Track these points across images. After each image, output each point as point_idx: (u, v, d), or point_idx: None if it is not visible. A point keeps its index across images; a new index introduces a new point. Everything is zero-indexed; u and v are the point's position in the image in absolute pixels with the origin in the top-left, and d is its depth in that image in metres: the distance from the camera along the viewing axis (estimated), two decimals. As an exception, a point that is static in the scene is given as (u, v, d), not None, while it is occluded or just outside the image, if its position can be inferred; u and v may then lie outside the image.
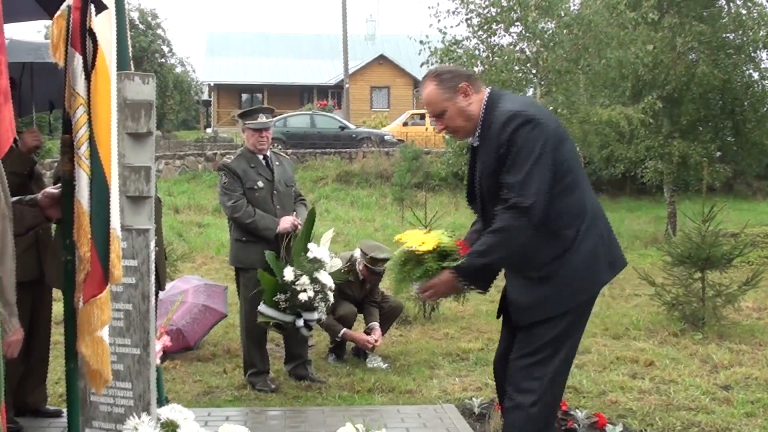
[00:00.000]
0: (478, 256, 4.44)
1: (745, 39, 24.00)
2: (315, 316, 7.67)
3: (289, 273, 7.46)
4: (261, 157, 7.91)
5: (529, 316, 4.50)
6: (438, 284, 4.52)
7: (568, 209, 4.44)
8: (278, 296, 7.49)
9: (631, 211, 27.10)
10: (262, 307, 7.57)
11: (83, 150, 3.32)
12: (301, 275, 7.47)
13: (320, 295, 7.58)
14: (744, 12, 24.49)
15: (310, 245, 7.63)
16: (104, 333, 3.33)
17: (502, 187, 4.38)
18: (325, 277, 7.60)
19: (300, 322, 7.61)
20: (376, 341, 8.77)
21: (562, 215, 4.41)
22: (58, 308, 6.08)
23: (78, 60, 3.42)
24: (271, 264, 7.54)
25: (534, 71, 17.65)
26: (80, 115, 3.35)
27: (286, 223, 7.72)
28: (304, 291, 7.46)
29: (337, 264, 7.88)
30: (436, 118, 4.68)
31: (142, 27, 55.62)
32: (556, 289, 4.37)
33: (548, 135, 4.39)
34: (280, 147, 21.38)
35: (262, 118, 7.90)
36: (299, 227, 7.72)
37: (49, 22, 3.90)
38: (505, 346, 4.77)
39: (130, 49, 5.15)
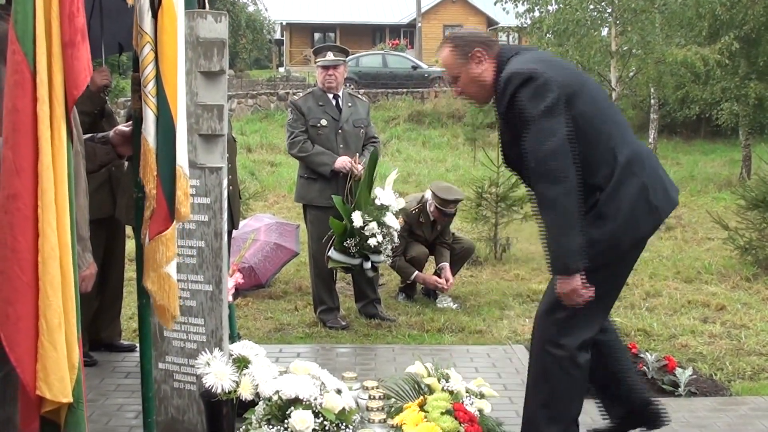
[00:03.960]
0: (554, 245, 4.23)
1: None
2: (381, 258, 7.74)
3: (357, 218, 7.50)
4: (331, 96, 7.92)
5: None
6: (565, 297, 4.25)
7: (592, 163, 4.27)
8: (348, 241, 7.54)
9: (706, 154, 26.67)
10: (333, 253, 7.64)
11: (150, 88, 3.33)
12: (370, 221, 7.52)
13: (387, 238, 7.62)
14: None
15: (377, 190, 7.66)
16: (171, 269, 3.35)
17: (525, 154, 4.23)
18: (391, 220, 7.64)
19: (368, 264, 7.68)
20: (448, 283, 8.79)
21: (587, 169, 4.23)
22: (131, 245, 6.18)
23: (145, -2, 3.43)
24: (338, 207, 7.57)
25: (609, 10, 17.40)
26: (147, 52, 3.36)
27: (343, 161, 7.73)
28: (373, 236, 7.51)
29: (401, 203, 7.90)
30: (452, 83, 4.63)
31: (215, -34, 55.70)
32: (589, 245, 4.16)
33: (554, 89, 4.19)
34: (352, 87, 21.34)
35: (330, 56, 7.93)
36: (359, 168, 7.73)
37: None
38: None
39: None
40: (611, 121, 4.43)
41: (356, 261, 7.66)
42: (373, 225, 7.51)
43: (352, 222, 7.50)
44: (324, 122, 7.84)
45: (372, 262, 7.73)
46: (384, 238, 7.59)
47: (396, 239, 7.80)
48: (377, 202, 7.61)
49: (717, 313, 8.45)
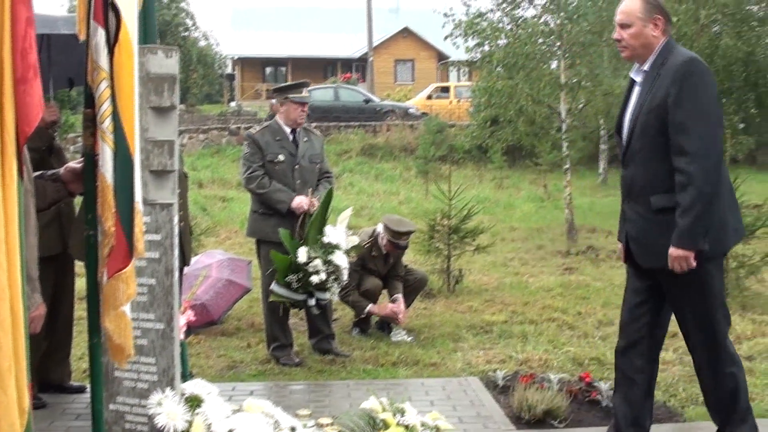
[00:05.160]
0: (684, 217, 4.78)
1: (768, 11, 23.79)
2: (327, 296, 7.66)
3: (302, 254, 7.43)
4: (289, 131, 7.92)
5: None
6: (677, 262, 4.83)
7: None
8: (290, 277, 7.47)
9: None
10: (275, 287, 7.58)
11: (107, 124, 3.31)
12: (315, 258, 7.45)
13: (333, 276, 7.56)
14: (769, -16, 24.27)
15: (327, 228, 7.61)
16: (127, 308, 3.33)
17: (672, 130, 4.82)
18: (339, 259, 7.56)
19: (312, 302, 7.61)
20: (401, 315, 8.78)
21: None
22: (81, 283, 6.11)
23: (101, 34, 3.40)
24: (284, 242, 7.52)
25: (558, 44, 17.54)
26: (103, 89, 3.34)
27: (299, 202, 7.70)
28: (317, 273, 7.44)
29: (353, 241, 7.87)
30: (620, 27, 5.03)
31: (165, 0, 55.58)
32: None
33: (714, 86, 4.93)
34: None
35: (305, 92, 7.99)
36: (315, 205, 7.70)
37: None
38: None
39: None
40: None
41: (300, 297, 7.58)
42: (318, 262, 7.43)
43: (297, 257, 7.46)
44: (281, 157, 7.83)
45: (317, 299, 7.66)
46: (329, 276, 7.52)
47: (344, 278, 7.74)
48: (325, 239, 7.57)
49: (669, 341, 8.44)
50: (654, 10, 4.96)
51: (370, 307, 8.81)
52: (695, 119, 4.76)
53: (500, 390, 6.82)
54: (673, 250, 4.80)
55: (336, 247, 7.58)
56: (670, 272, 4.89)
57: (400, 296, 8.97)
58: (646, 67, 5.02)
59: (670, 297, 5.12)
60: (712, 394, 5.20)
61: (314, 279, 7.43)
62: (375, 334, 8.87)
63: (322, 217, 7.60)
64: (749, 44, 22.40)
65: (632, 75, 5.16)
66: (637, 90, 5.09)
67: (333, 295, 7.74)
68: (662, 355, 7.74)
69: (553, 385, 6.52)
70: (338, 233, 7.64)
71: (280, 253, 7.52)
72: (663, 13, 5.00)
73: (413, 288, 9.29)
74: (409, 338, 8.64)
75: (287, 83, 8.27)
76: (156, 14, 5.10)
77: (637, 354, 5.28)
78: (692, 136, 4.74)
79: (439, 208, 12.09)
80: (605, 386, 6.50)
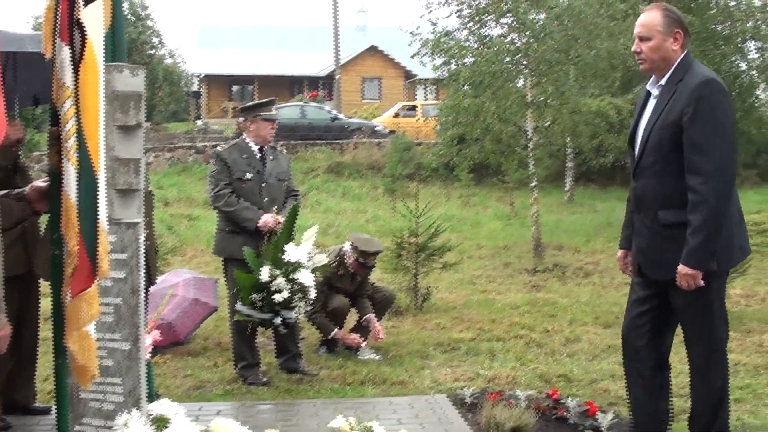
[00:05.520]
0: (695, 237, 4.87)
1: (733, 30, 24.16)
2: (293, 314, 7.59)
3: (264, 273, 7.38)
4: (256, 149, 7.90)
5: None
6: (685, 280, 4.93)
7: None
8: (254, 296, 7.42)
9: (621, 201, 26.70)
10: (239, 306, 7.53)
11: (71, 143, 3.29)
12: (277, 276, 7.41)
13: (298, 295, 7.51)
14: (732, 4, 24.66)
15: (287, 246, 7.54)
16: (91, 328, 3.30)
17: (688, 149, 4.90)
18: (304, 277, 7.51)
19: (278, 320, 7.56)
20: (379, 335, 8.82)
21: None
22: (46, 304, 6.05)
23: (66, 52, 3.39)
24: (249, 261, 7.48)
25: (524, 62, 17.59)
26: (68, 107, 3.32)
27: (267, 219, 7.68)
28: (279, 292, 7.39)
29: (321, 260, 7.83)
30: (639, 40, 5.12)
31: (131, 18, 55.41)
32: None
33: (730, 106, 5.05)
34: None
35: (274, 110, 8.05)
36: (281, 224, 7.68)
37: (38, 12, 3.86)
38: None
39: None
40: None
41: (265, 316, 7.52)
42: (281, 280, 7.38)
43: (260, 276, 7.42)
44: (249, 175, 7.81)
45: (283, 318, 7.60)
46: (293, 294, 7.46)
47: (312, 296, 7.68)
48: (285, 258, 7.52)
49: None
50: (674, 24, 5.05)
51: (336, 331, 8.78)
52: (711, 139, 4.85)
53: (468, 407, 6.82)
54: (682, 268, 4.90)
55: (299, 265, 7.54)
56: (676, 284, 5.00)
57: (372, 316, 8.95)
58: (663, 81, 5.12)
59: (676, 307, 5.22)
60: (698, 401, 5.28)
61: (277, 297, 7.38)
62: (342, 352, 8.84)
63: (286, 236, 7.56)
64: (714, 62, 22.68)
65: (648, 87, 5.27)
66: (652, 103, 5.19)
67: (299, 314, 7.70)
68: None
69: (521, 402, 6.53)
70: (300, 251, 7.59)
71: (246, 272, 7.49)
72: (683, 28, 5.10)
73: (380, 306, 9.27)
74: (377, 357, 8.62)
75: (255, 102, 8.26)
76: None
77: (642, 363, 5.39)
78: (708, 157, 4.83)
79: (407, 226, 12.09)
80: (573, 403, 6.52)
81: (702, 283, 4.90)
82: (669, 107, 5.00)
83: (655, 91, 5.19)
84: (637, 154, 5.24)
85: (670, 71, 5.08)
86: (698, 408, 5.28)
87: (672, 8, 5.18)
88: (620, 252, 5.62)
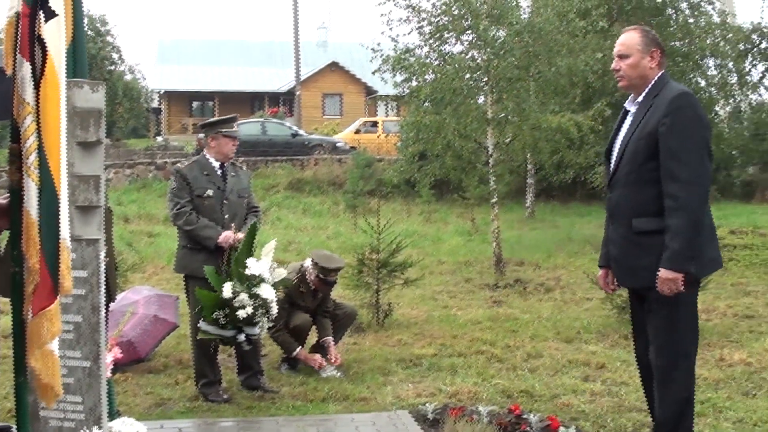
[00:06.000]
0: (675, 240, 5.00)
1: (692, 47, 24.42)
2: (256, 330, 7.58)
3: (227, 289, 7.34)
4: (217, 165, 7.89)
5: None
6: (666, 285, 5.04)
7: None
8: (217, 313, 7.38)
9: (582, 216, 27.21)
10: (202, 324, 7.49)
11: (32, 159, 3.27)
12: (240, 292, 7.38)
13: (261, 310, 7.48)
14: (691, 21, 24.93)
15: (249, 261, 7.52)
16: (54, 345, 3.28)
17: (665, 156, 5.03)
18: (266, 291, 7.49)
19: (241, 337, 7.53)
20: (335, 360, 8.75)
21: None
22: (6, 321, 6.00)
23: (26, 68, 3.37)
24: (210, 279, 7.46)
25: (485, 79, 17.66)
26: (29, 124, 3.30)
27: (226, 237, 7.64)
28: (243, 308, 7.35)
29: (281, 273, 7.81)
30: (619, 58, 5.33)
31: (91, 34, 55.06)
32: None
33: (706, 118, 5.21)
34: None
35: (235, 126, 8.04)
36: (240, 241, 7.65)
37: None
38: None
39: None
40: None
41: (229, 333, 7.49)
42: (244, 296, 7.36)
43: (222, 293, 7.37)
44: (210, 192, 7.79)
45: (246, 335, 7.58)
46: (256, 310, 7.44)
47: (274, 311, 7.65)
48: (247, 272, 7.50)
49: (597, 372, 8.59)
50: (652, 43, 5.27)
51: (298, 351, 8.76)
52: (688, 148, 5.00)
53: (430, 423, 6.83)
54: (663, 272, 5.00)
55: (261, 279, 7.52)
56: (651, 291, 5.13)
57: (330, 339, 8.94)
58: (640, 98, 5.30)
59: (649, 312, 5.31)
60: (661, 411, 5.35)
61: (241, 313, 7.35)
62: (304, 369, 8.82)
63: (246, 252, 7.54)
64: (673, 79, 22.82)
65: (627, 106, 5.46)
66: (629, 120, 5.36)
67: (263, 330, 7.68)
68: (590, 386, 7.87)
69: (483, 417, 6.54)
70: (261, 266, 7.58)
71: (207, 289, 7.46)
72: (660, 48, 5.31)
73: (342, 323, 9.27)
74: (338, 373, 8.60)
75: (217, 118, 8.24)
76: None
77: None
78: (685, 164, 4.99)
79: (368, 243, 12.09)
80: (534, 418, 6.55)
81: (683, 287, 5.01)
82: (646, 119, 5.17)
83: (632, 109, 5.38)
84: (613, 166, 5.39)
85: (647, 88, 5.28)
86: (661, 417, 5.33)
87: (650, 29, 5.40)
88: (601, 271, 5.71)
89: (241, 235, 7.66)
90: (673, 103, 5.07)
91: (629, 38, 5.30)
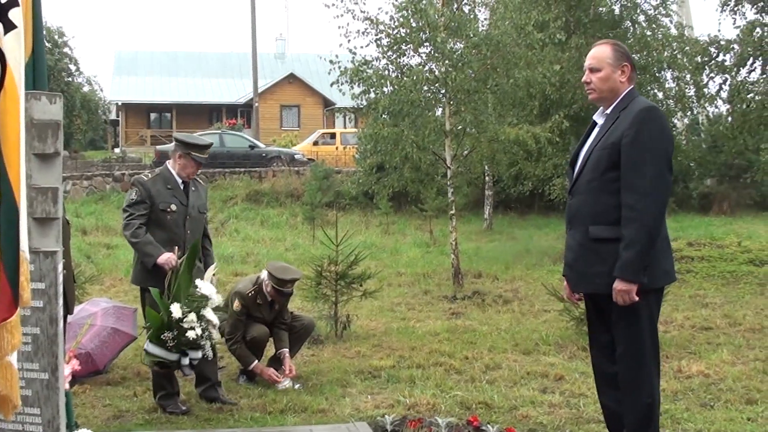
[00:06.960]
0: (628, 250, 5.09)
1: (650, 59, 24.63)
2: (199, 354, 7.46)
3: (176, 310, 7.27)
4: (180, 180, 7.87)
5: None
6: (620, 295, 5.13)
7: None
8: (165, 334, 7.29)
9: (540, 228, 27.35)
10: (149, 346, 7.40)
11: (-9, 172, 3.27)
12: (189, 312, 7.31)
13: (206, 333, 7.41)
14: (649, 33, 25.15)
15: (198, 281, 7.50)
16: (13, 358, 3.27)
17: (626, 167, 5.13)
18: (210, 315, 7.45)
19: (185, 361, 7.44)
20: (290, 373, 8.74)
21: None
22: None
23: (-15, 80, 3.37)
24: (156, 300, 7.42)
25: (443, 91, 17.71)
26: (-12, 136, 3.30)
27: (167, 259, 7.58)
28: (192, 329, 7.28)
29: (219, 300, 7.71)
30: (590, 71, 5.43)
31: (48, 45, 54.66)
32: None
33: (670, 134, 5.36)
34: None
35: (207, 154, 8.05)
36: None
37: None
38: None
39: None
40: None
41: (174, 356, 7.39)
42: (192, 317, 7.29)
43: (171, 314, 7.27)
44: (174, 207, 7.78)
45: (190, 359, 7.46)
46: (203, 332, 7.36)
47: (215, 336, 7.58)
48: (198, 292, 7.45)
49: (556, 383, 8.64)
50: (623, 58, 5.39)
51: (255, 365, 8.77)
52: (649, 160, 5.10)
53: (389, 435, 6.84)
54: (617, 283, 5.11)
55: (207, 301, 7.48)
56: (606, 298, 5.24)
57: (286, 351, 8.94)
58: (608, 110, 5.40)
59: (611, 320, 5.40)
60: (627, 418, 5.41)
61: (190, 334, 7.25)
62: (262, 381, 8.81)
63: (188, 272, 7.48)
64: (631, 90, 23.07)
65: (595, 118, 5.55)
66: (596, 131, 5.46)
67: (207, 353, 7.54)
68: (549, 398, 7.92)
69: (442, 429, 6.57)
70: (209, 287, 7.52)
71: (149, 307, 7.44)
72: (631, 62, 5.43)
73: (300, 335, 9.27)
74: (297, 385, 8.60)
75: (195, 141, 8.09)
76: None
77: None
78: (645, 175, 5.08)
79: (326, 254, 12.09)
80: (493, 429, 6.58)
81: (636, 298, 5.10)
82: (611, 130, 5.28)
83: (600, 120, 5.48)
84: (576, 173, 5.48)
85: (616, 101, 5.38)
86: (629, 423, 5.40)
87: (621, 44, 5.53)
88: (566, 281, 5.78)
89: (180, 260, 7.58)
90: (639, 115, 5.18)
91: (600, 52, 5.41)
